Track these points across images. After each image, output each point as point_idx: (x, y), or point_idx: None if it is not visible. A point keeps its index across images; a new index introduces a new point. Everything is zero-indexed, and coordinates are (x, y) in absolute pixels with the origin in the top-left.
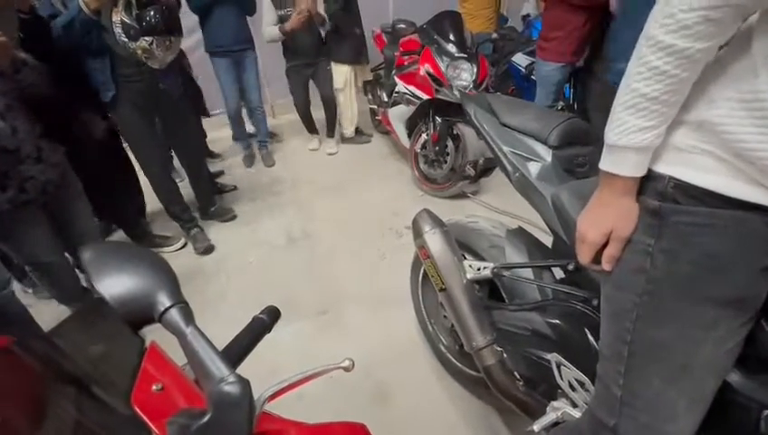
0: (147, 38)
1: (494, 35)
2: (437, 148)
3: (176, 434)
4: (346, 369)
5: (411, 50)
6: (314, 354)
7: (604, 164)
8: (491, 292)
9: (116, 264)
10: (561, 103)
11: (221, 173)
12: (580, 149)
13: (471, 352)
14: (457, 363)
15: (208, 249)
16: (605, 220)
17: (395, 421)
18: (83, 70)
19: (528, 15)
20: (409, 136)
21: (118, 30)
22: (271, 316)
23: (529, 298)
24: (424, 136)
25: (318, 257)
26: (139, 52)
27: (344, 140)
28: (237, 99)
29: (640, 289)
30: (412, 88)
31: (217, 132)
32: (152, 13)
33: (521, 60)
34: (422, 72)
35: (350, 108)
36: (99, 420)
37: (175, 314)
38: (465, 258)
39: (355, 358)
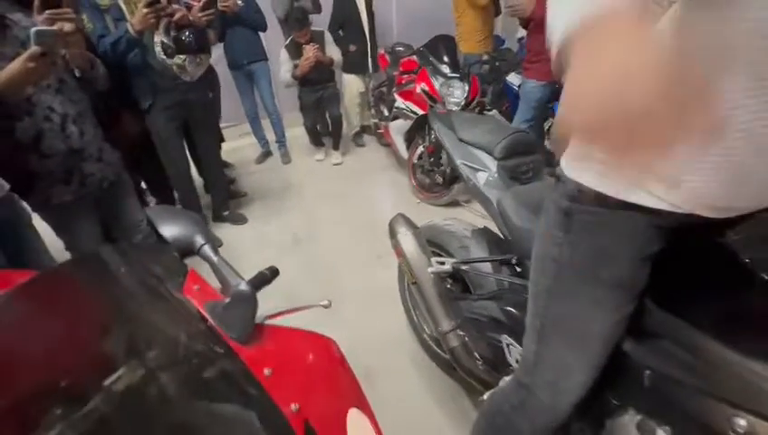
0: (181, 56)
1: (485, 57)
2: (432, 159)
3: (210, 309)
4: (325, 307)
5: (409, 69)
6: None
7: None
8: (465, 286)
9: (171, 218)
10: (551, 120)
11: (233, 181)
12: (523, 159)
13: (439, 337)
14: (436, 348)
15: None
16: None
17: (377, 401)
18: (126, 82)
19: (522, 38)
20: (407, 148)
21: (158, 49)
22: (271, 272)
23: (489, 290)
24: (420, 148)
25: (320, 257)
26: (175, 67)
27: (347, 152)
28: (254, 103)
29: (552, 274)
30: (409, 104)
31: (230, 143)
32: (186, 34)
33: (514, 79)
34: (418, 90)
35: (354, 110)
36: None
37: (207, 249)
38: (435, 256)
39: (346, 345)
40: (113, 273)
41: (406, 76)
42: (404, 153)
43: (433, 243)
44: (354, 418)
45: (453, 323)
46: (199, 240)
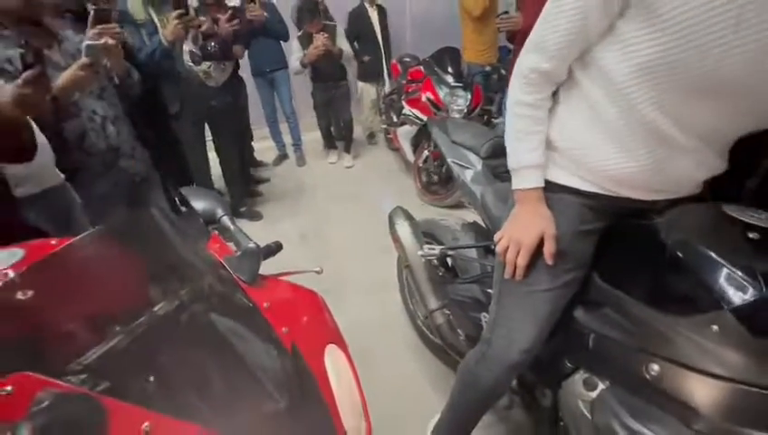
0: (207, 63)
1: (488, 68)
2: (436, 162)
3: (227, 261)
4: (317, 272)
5: (416, 79)
6: None
7: (515, 185)
8: (455, 273)
9: (199, 195)
10: None
11: (265, 180)
12: (504, 160)
13: (427, 315)
14: (428, 333)
15: None
16: (535, 226)
17: (372, 379)
18: (158, 88)
19: None
20: (414, 152)
21: (186, 57)
22: (276, 246)
23: (474, 274)
24: (426, 152)
25: (326, 251)
26: (201, 74)
27: (359, 155)
28: (273, 108)
29: None
30: (416, 111)
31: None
32: (212, 43)
33: None
34: (424, 99)
35: (368, 116)
36: (193, 258)
37: (225, 219)
38: (428, 244)
39: (346, 330)
40: (157, 231)
41: (413, 85)
42: (410, 157)
43: (429, 235)
44: (332, 349)
45: (439, 303)
46: (219, 212)
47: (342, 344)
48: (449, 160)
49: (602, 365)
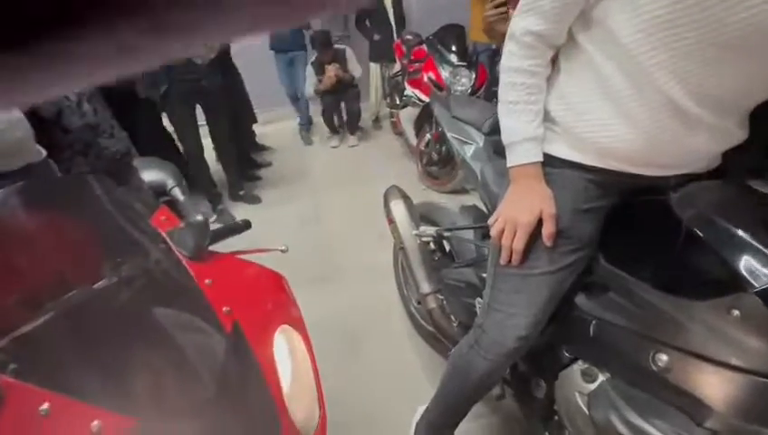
0: None
1: (494, 46)
2: (438, 146)
3: (169, 233)
4: (282, 251)
5: (419, 58)
6: (311, 309)
7: (510, 162)
8: (452, 258)
9: (149, 165)
10: None
11: (269, 164)
12: None
13: (420, 300)
14: (421, 320)
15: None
16: (532, 204)
17: (361, 362)
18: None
19: None
20: (416, 135)
21: None
22: (244, 223)
23: (470, 257)
24: (428, 135)
25: (324, 236)
26: None
27: (364, 138)
28: (291, 85)
29: None
30: (417, 91)
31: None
32: None
33: None
34: (425, 79)
35: (375, 95)
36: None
37: (176, 190)
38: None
39: (342, 315)
40: (95, 198)
41: (416, 65)
42: (413, 140)
43: (426, 218)
44: (284, 331)
45: (433, 288)
46: (170, 183)
47: (300, 327)
48: (449, 135)
49: (604, 355)
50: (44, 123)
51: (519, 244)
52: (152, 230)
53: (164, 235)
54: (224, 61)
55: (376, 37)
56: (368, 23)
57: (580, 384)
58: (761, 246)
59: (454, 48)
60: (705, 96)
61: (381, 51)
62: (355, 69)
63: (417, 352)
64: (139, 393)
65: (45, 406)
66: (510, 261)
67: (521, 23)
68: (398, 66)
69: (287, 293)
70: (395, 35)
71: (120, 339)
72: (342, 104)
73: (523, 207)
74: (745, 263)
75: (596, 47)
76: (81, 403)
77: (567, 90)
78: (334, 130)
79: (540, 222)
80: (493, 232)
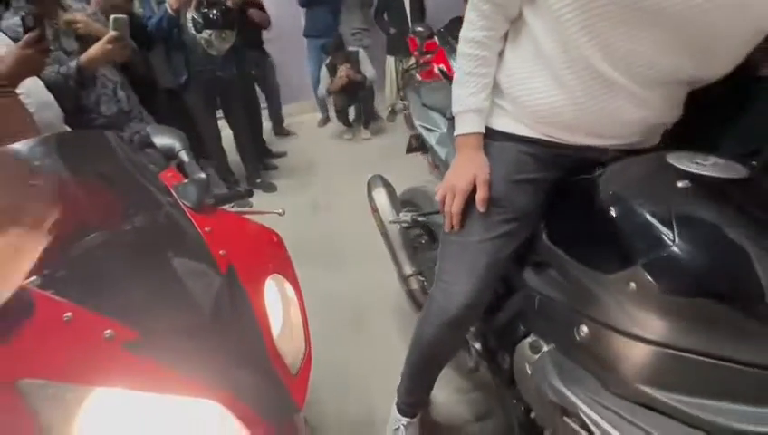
0: (208, 31)
1: None
2: None
3: (174, 187)
4: (279, 214)
5: (431, 50)
6: (320, 291)
7: (457, 130)
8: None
9: (160, 131)
10: None
11: (284, 154)
12: None
13: (403, 280)
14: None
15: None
16: (468, 171)
17: (365, 339)
18: (167, 59)
19: None
20: None
21: (189, 25)
22: (246, 192)
23: None
24: None
25: (334, 223)
26: (203, 42)
27: (379, 131)
28: (316, 72)
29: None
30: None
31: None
32: (214, 11)
33: None
34: (436, 71)
35: (391, 86)
36: (140, 183)
37: (182, 153)
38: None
39: (347, 295)
40: (111, 152)
41: (427, 57)
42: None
43: (411, 203)
44: (276, 278)
45: (414, 270)
46: (177, 146)
47: (292, 277)
48: (417, 124)
49: (546, 328)
50: (84, 112)
51: (455, 208)
52: (161, 184)
53: (170, 188)
54: (253, 49)
55: (392, 31)
56: (385, 16)
57: (528, 355)
58: (653, 221)
59: None
60: (619, 60)
61: (397, 44)
62: (368, 70)
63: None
64: (142, 311)
65: (69, 314)
66: (453, 228)
67: None
68: (412, 60)
69: (281, 248)
70: (410, 29)
71: (129, 267)
72: (356, 105)
73: (461, 174)
74: (638, 236)
75: (535, 17)
76: (97, 314)
77: (511, 60)
78: (348, 125)
79: (475, 189)
80: (437, 198)
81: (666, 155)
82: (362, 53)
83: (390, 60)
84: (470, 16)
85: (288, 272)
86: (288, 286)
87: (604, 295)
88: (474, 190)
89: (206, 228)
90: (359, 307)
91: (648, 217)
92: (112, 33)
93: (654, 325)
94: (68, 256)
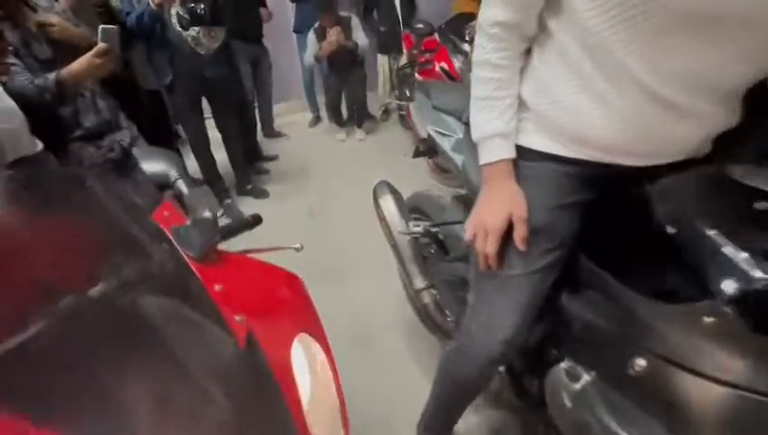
0: (195, 28)
1: None
2: None
3: (173, 231)
4: (297, 249)
5: (430, 48)
6: (320, 308)
7: (482, 159)
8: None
9: (150, 156)
10: None
11: (275, 157)
12: None
13: (413, 295)
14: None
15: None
16: (501, 208)
17: (373, 355)
18: (149, 58)
19: None
20: None
21: (174, 21)
22: (254, 219)
23: (463, 251)
24: None
25: (332, 231)
26: (189, 39)
27: (372, 131)
28: (308, 69)
29: None
30: None
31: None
32: (201, 6)
33: None
34: (437, 69)
35: (384, 85)
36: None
37: (180, 183)
38: (417, 221)
39: (350, 308)
40: (90, 193)
41: (427, 55)
42: (423, 134)
43: (418, 210)
44: (302, 340)
45: (426, 283)
46: (173, 175)
47: (319, 334)
48: (429, 129)
49: (586, 355)
50: (62, 123)
51: (491, 249)
52: (154, 227)
53: (168, 233)
54: (228, 48)
55: (382, 29)
56: (375, 14)
57: (565, 383)
58: (734, 250)
59: (468, 38)
60: (667, 74)
61: (388, 42)
62: (359, 38)
63: (426, 345)
64: (141, 420)
65: None
66: (488, 268)
67: (486, 12)
68: (405, 58)
69: (304, 296)
70: (401, 26)
71: (116, 355)
72: (346, 91)
73: (493, 212)
74: (717, 267)
75: (564, 31)
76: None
77: (540, 77)
78: (341, 123)
79: (512, 224)
80: (466, 238)
81: (726, 169)
82: (355, 20)
83: (383, 58)
84: (479, 40)
85: (314, 327)
86: (316, 347)
87: (665, 327)
88: (509, 226)
89: (216, 286)
90: (364, 325)
91: (725, 245)
92: (101, 45)
93: (734, 366)
94: (30, 342)
